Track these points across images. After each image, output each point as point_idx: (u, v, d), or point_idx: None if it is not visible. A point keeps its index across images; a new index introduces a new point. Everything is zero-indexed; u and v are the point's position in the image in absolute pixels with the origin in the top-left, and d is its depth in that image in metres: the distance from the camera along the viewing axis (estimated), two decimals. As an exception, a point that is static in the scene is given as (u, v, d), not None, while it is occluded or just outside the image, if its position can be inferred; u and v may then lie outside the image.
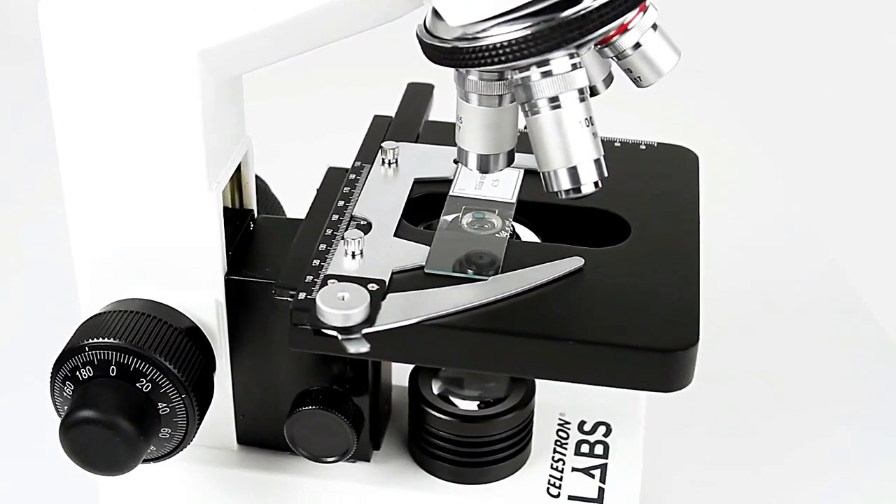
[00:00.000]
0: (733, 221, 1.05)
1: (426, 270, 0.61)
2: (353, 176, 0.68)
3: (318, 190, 0.68)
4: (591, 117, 0.55)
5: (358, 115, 0.79)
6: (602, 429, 0.72)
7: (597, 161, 0.55)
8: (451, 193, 0.67)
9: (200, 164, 0.60)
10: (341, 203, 0.65)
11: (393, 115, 0.75)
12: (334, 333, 0.57)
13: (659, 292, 0.60)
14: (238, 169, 0.66)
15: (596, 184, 0.55)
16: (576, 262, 0.61)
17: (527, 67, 0.54)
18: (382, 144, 0.69)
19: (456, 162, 0.60)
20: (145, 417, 0.61)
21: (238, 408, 0.68)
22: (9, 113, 1.24)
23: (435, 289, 0.60)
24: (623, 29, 0.57)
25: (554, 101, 0.54)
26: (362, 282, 0.59)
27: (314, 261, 0.61)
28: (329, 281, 0.59)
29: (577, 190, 0.55)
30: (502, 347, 0.58)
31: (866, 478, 0.82)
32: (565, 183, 0.55)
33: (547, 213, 0.67)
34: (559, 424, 0.72)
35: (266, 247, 0.66)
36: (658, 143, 0.72)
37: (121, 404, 0.60)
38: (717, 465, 0.83)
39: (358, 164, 0.69)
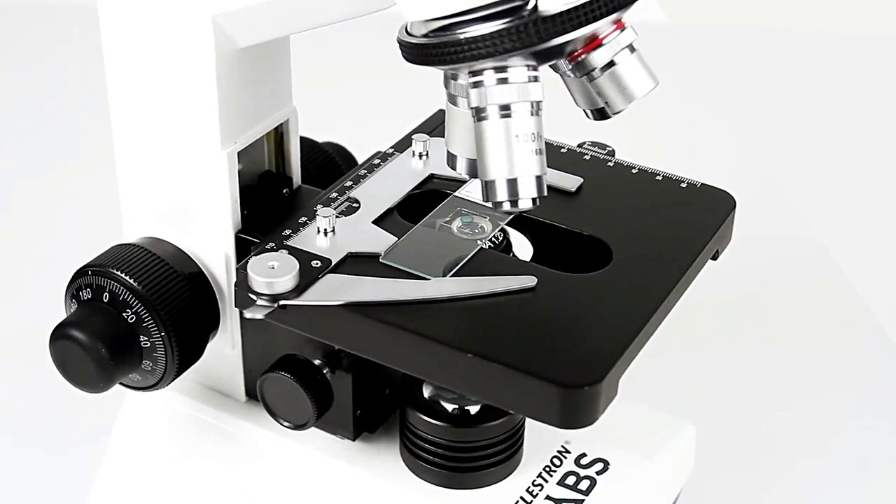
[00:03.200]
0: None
1: (381, 259, 0.62)
2: (377, 161, 0.69)
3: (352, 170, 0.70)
4: (539, 133, 0.54)
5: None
6: (598, 465, 0.69)
7: (538, 178, 0.54)
8: (455, 194, 0.67)
9: (213, 124, 0.64)
10: (348, 183, 0.67)
11: None
12: (254, 298, 0.59)
13: (593, 328, 0.58)
14: (281, 138, 0.69)
15: (534, 200, 0.54)
16: (527, 281, 0.60)
17: (481, 71, 0.53)
18: (413, 136, 0.70)
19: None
20: (123, 346, 0.65)
21: (246, 362, 0.71)
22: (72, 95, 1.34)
23: (376, 277, 0.60)
24: (595, 45, 0.55)
25: (504, 110, 0.53)
26: (307, 257, 0.61)
27: (286, 230, 0.63)
28: (281, 251, 0.61)
29: (514, 203, 0.54)
30: (405, 346, 0.57)
31: (868, 478, 0.83)
32: (503, 194, 0.54)
33: (545, 231, 0.65)
34: (558, 451, 0.70)
35: (290, 214, 0.69)
36: (701, 184, 0.68)
37: (101, 329, 0.65)
38: (720, 468, 0.82)
39: (390, 150, 0.70)
